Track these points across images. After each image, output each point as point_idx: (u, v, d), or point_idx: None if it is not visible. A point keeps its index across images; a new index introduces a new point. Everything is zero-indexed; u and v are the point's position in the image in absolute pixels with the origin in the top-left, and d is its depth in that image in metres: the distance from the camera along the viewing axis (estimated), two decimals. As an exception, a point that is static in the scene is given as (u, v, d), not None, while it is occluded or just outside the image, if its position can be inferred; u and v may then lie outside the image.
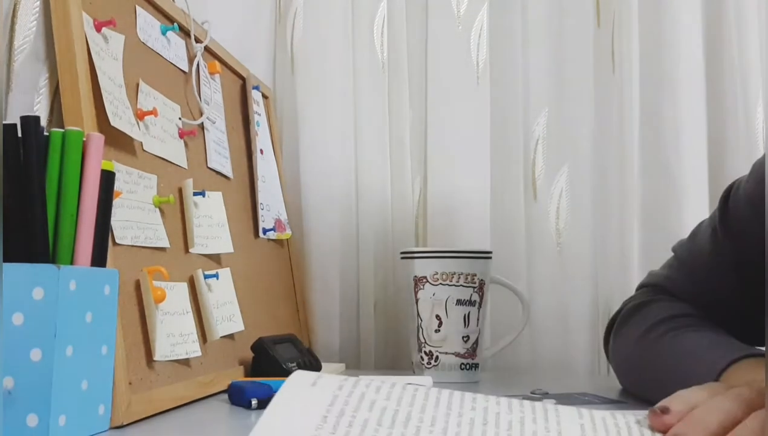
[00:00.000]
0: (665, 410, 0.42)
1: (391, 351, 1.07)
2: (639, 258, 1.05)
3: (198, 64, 0.80)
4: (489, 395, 0.43)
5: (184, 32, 0.80)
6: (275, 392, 0.40)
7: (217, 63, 0.84)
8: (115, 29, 0.64)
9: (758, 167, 0.68)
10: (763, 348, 0.62)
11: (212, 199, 0.79)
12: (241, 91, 0.95)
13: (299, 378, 0.41)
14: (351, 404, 0.39)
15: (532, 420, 0.40)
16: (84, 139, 0.50)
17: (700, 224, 0.77)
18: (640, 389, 0.72)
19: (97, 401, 0.51)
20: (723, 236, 0.71)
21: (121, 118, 0.61)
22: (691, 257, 0.76)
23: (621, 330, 0.78)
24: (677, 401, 0.43)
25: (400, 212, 1.08)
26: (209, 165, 0.80)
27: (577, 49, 1.11)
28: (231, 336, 0.77)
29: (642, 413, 0.44)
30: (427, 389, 0.42)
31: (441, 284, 0.87)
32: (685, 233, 1.01)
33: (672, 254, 0.80)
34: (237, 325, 0.79)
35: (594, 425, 0.40)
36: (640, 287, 0.83)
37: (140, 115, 0.66)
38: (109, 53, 0.63)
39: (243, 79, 0.96)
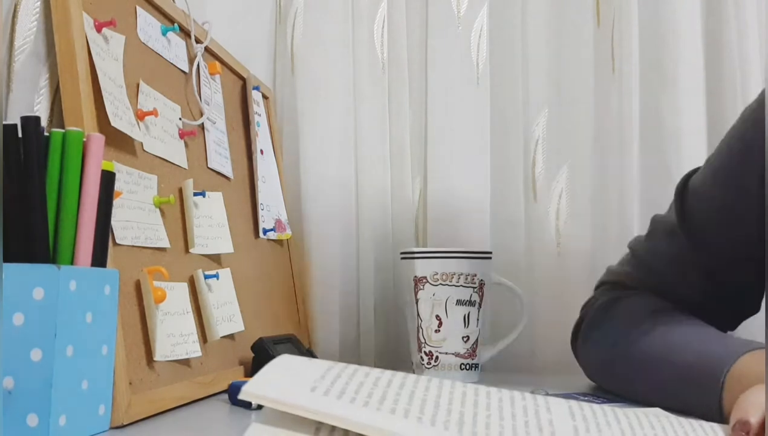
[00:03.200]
0: (747, 425, 0.43)
1: (391, 351, 1.07)
2: (639, 258, 1.05)
3: (198, 65, 0.80)
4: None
5: (185, 33, 0.80)
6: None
7: (217, 63, 0.84)
8: (115, 30, 0.64)
9: (715, 165, 0.68)
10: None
11: (212, 199, 0.79)
12: (242, 92, 0.95)
13: (290, 356, 0.42)
14: (347, 371, 0.40)
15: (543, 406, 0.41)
16: (84, 139, 0.50)
17: (656, 221, 0.77)
18: (626, 386, 0.72)
19: (98, 401, 0.51)
20: (684, 236, 0.70)
21: (121, 118, 0.61)
22: (650, 256, 0.76)
23: (595, 330, 0.77)
24: (753, 409, 0.44)
25: (400, 213, 1.08)
26: (209, 165, 0.80)
27: (577, 49, 1.11)
28: (231, 336, 0.77)
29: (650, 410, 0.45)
30: (417, 378, 0.42)
31: (441, 284, 0.87)
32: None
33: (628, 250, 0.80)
34: (237, 325, 0.79)
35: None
36: (600, 284, 0.82)
37: (140, 116, 0.66)
38: (109, 54, 0.63)
39: (243, 79, 0.96)
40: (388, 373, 0.41)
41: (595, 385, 0.83)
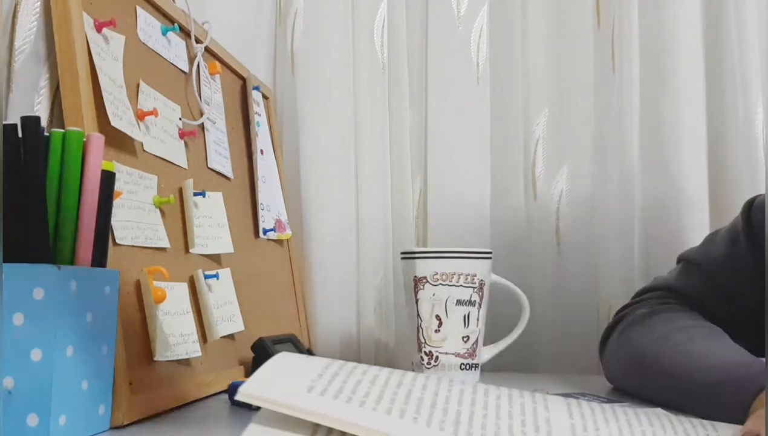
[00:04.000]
0: None
1: (391, 351, 1.07)
2: (639, 259, 1.05)
3: (198, 65, 0.80)
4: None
5: (185, 33, 0.80)
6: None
7: (217, 63, 0.84)
8: (115, 30, 0.64)
9: None
10: None
11: (212, 199, 0.79)
12: (242, 92, 0.95)
13: (288, 354, 0.42)
14: (345, 369, 0.40)
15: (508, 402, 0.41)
16: (84, 139, 0.50)
17: (714, 234, 0.76)
18: (649, 394, 0.70)
19: (98, 401, 0.51)
20: (746, 245, 0.70)
21: (121, 118, 0.61)
22: (708, 262, 0.75)
23: (627, 337, 0.76)
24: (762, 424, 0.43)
25: (400, 213, 1.08)
26: (209, 165, 0.80)
27: (577, 49, 1.11)
28: (231, 336, 0.77)
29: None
30: (415, 375, 0.42)
31: (441, 284, 0.87)
32: (685, 233, 1.03)
33: (676, 263, 0.79)
34: (237, 325, 0.79)
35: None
36: (645, 290, 0.81)
37: (140, 116, 0.66)
38: (109, 54, 0.63)
39: (243, 79, 0.96)
40: (386, 371, 0.41)
41: (595, 385, 0.83)
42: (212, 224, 0.78)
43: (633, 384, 0.74)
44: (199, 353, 0.68)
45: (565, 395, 0.69)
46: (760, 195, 0.72)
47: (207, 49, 0.84)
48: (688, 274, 0.77)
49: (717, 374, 0.61)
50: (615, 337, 0.79)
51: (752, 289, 0.70)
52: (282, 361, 0.40)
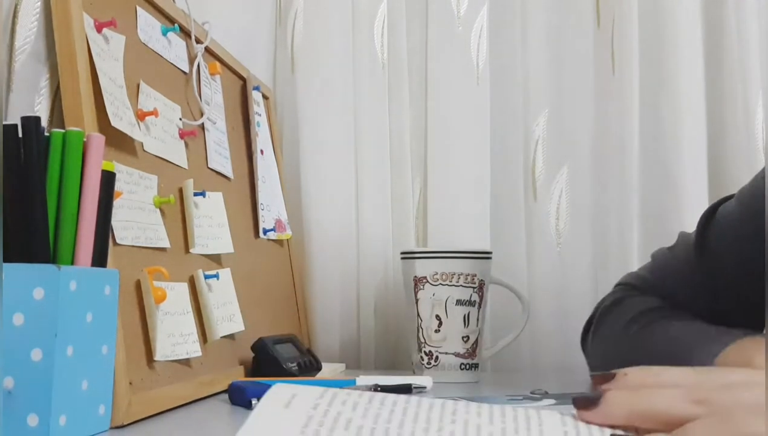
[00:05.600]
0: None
1: (391, 351, 1.07)
2: (639, 258, 1.05)
3: (198, 65, 0.80)
4: (475, 401, 0.43)
5: (185, 33, 0.80)
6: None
7: (217, 64, 0.84)
8: (115, 30, 0.64)
9: (746, 195, 0.68)
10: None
11: (212, 199, 0.79)
12: (242, 92, 0.95)
13: (273, 398, 0.41)
14: (326, 424, 0.38)
15: (514, 431, 0.40)
16: (84, 139, 0.50)
17: (681, 236, 0.78)
18: None
19: (98, 401, 0.51)
20: (696, 258, 0.70)
21: (121, 118, 0.61)
22: (667, 268, 0.76)
23: (600, 328, 0.78)
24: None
25: (400, 212, 1.08)
26: (210, 165, 0.80)
27: (577, 49, 1.11)
28: (231, 336, 0.77)
29: None
30: (407, 402, 0.41)
31: (441, 284, 0.87)
32: (685, 233, 1.03)
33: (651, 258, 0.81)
34: (237, 325, 0.79)
35: (578, 432, 0.40)
36: (617, 285, 0.84)
37: (141, 116, 0.66)
38: (109, 54, 0.63)
39: (243, 79, 0.96)
40: (372, 415, 0.40)
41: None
42: (212, 224, 0.78)
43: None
44: (199, 353, 0.69)
45: (565, 395, 0.69)
46: (725, 201, 0.71)
47: (207, 50, 0.84)
48: (649, 272, 0.80)
49: (679, 349, 0.62)
50: (591, 333, 0.81)
51: (700, 298, 0.70)
52: (258, 427, 0.40)
